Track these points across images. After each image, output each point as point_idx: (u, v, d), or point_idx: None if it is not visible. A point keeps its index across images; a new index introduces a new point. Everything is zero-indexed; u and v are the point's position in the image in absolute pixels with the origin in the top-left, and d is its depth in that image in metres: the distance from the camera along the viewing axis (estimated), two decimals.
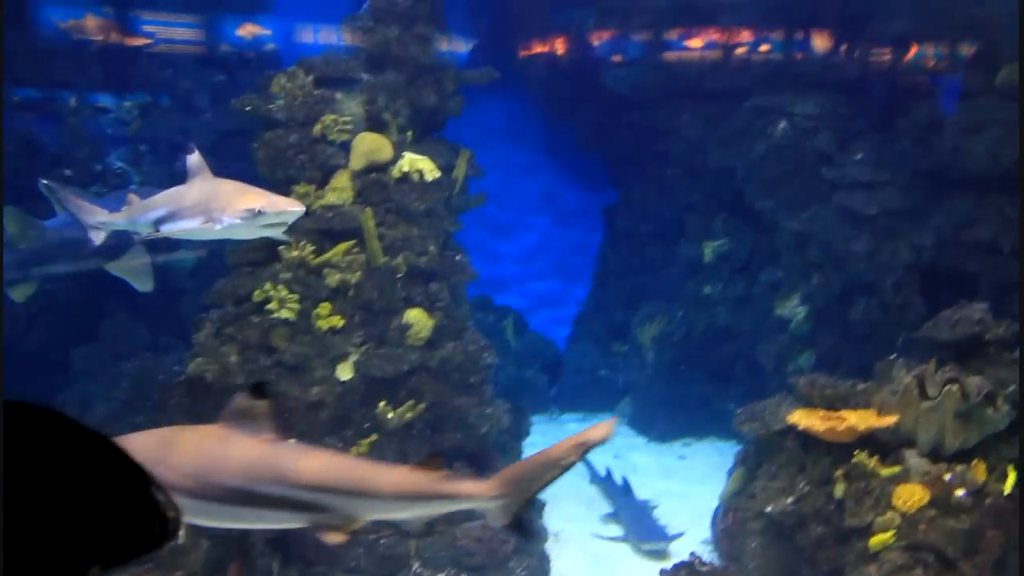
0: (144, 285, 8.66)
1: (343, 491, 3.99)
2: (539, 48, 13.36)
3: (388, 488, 4.08)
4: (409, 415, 7.48)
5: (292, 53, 10.63)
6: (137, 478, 1.43)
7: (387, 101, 8.33)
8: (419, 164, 8.05)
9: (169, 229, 6.15)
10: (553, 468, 4.16)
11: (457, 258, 8.58)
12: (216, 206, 5.83)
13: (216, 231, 5.88)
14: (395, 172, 8.08)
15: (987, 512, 6.47)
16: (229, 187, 6.06)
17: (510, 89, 12.05)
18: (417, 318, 7.77)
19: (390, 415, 7.44)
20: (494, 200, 9.89)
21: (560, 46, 13.23)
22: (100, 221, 6.87)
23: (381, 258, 7.81)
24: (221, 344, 7.55)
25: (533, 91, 13.86)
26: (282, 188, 7.51)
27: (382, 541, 7.34)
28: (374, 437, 7.52)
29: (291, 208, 5.89)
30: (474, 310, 9.70)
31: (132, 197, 6.71)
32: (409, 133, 8.52)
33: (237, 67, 12.29)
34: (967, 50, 10.80)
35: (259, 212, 5.73)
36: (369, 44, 8.49)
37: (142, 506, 1.42)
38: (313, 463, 4.05)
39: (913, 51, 11.33)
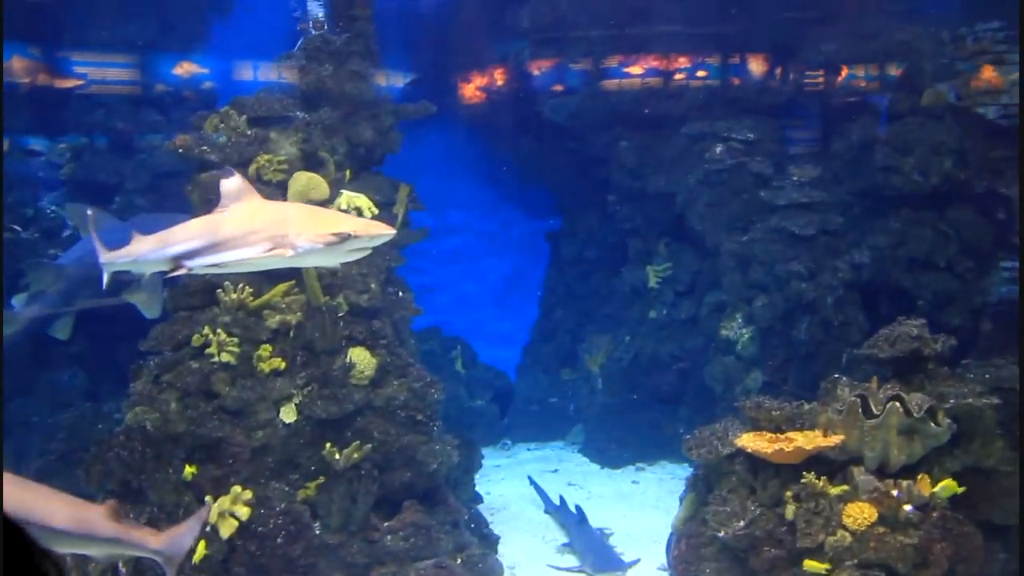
0: (153, 313, 8.67)
1: (39, 525, 4.21)
2: (477, 80, 13.41)
3: (71, 524, 4.31)
4: (356, 456, 7.34)
5: (230, 91, 10.52)
6: (13, 533, 1.45)
7: (323, 139, 8.27)
8: (356, 201, 7.97)
9: (229, 258, 5.33)
10: (196, 527, 4.74)
11: (400, 294, 8.51)
12: (288, 231, 5.19)
13: (289, 257, 5.25)
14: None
15: (934, 526, 6.56)
16: (298, 209, 5.54)
17: (450, 121, 12.06)
18: (360, 357, 7.65)
19: (337, 456, 7.29)
20: (437, 232, 9.85)
21: (498, 78, 13.30)
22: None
23: (321, 298, 7.69)
24: (160, 391, 7.36)
25: (473, 123, 13.89)
26: None
27: None
28: (321, 479, 7.37)
29: (383, 232, 5.34)
30: (422, 341, 9.60)
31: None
32: (347, 171, 8.46)
33: (173, 106, 12.14)
34: (894, 72, 11.12)
35: (349, 236, 5.17)
36: (303, 82, 8.45)
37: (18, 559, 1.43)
38: (29, 498, 4.29)
39: (843, 75, 11.61)
